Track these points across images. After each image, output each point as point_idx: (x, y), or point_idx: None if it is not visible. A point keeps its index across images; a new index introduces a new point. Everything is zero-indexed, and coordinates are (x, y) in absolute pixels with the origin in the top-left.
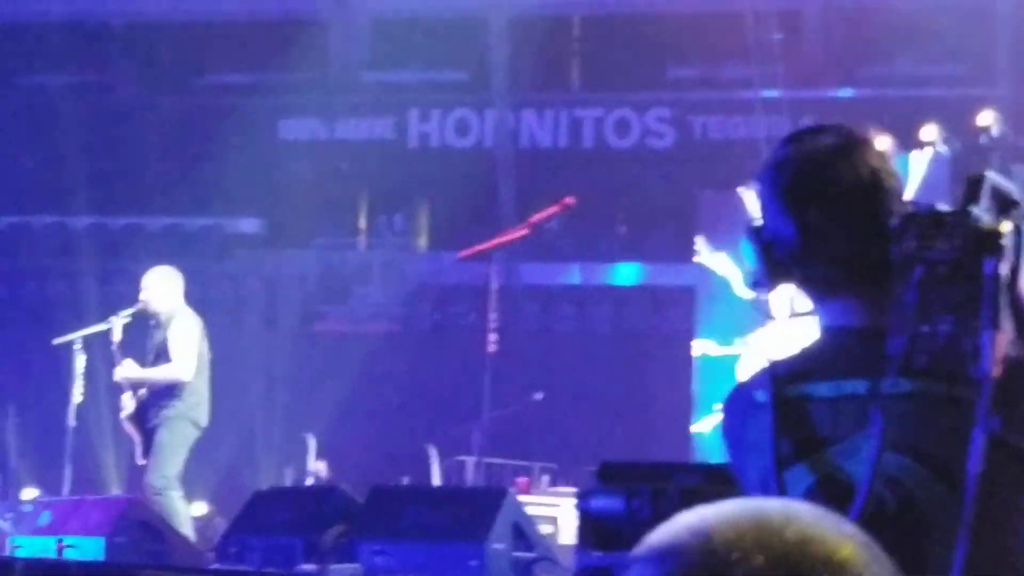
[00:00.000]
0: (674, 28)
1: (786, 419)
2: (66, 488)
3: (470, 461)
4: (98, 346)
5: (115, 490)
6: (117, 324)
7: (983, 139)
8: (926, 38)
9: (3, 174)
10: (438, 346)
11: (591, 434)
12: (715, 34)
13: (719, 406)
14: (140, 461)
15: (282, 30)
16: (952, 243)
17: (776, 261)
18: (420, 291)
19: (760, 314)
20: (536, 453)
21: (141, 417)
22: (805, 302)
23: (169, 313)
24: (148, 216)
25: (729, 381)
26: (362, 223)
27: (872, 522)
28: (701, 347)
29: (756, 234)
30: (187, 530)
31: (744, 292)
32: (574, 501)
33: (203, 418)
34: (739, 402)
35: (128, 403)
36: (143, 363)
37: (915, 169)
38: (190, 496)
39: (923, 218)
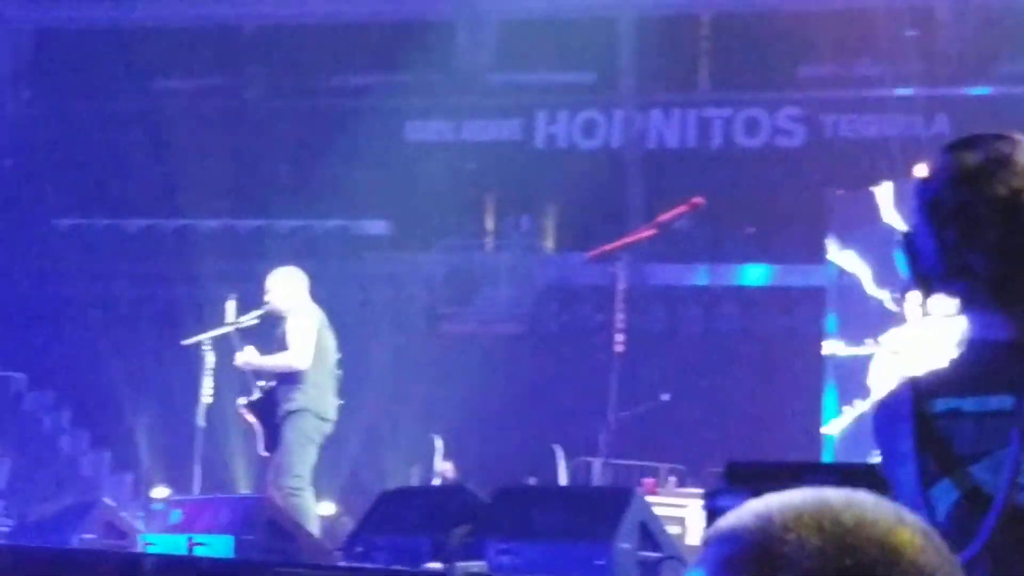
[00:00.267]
0: (805, 26)
1: (930, 435)
2: (196, 487)
3: (597, 462)
4: (226, 347)
5: (244, 489)
6: (244, 324)
7: None
8: None
9: (132, 178)
10: (565, 347)
11: (719, 436)
12: (847, 31)
13: (848, 408)
14: (262, 452)
15: (409, 32)
16: None
17: (922, 272)
18: (547, 292)
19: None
20: (663, 454)
21: (265, 409)
22: (941, 305)
23: (289, 309)
24: (276, 218)
25: (861, 383)
26: (489, 224)
27: (1008, 527)
28: (831, 348)
29: (906, 243)
30: (314, 529)
31: (875, 291)
32: (701, 502)
33: (327, 410)
34: (887, 414)
35: (253, 391)
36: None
37: None
38: (317, 496)
39: None
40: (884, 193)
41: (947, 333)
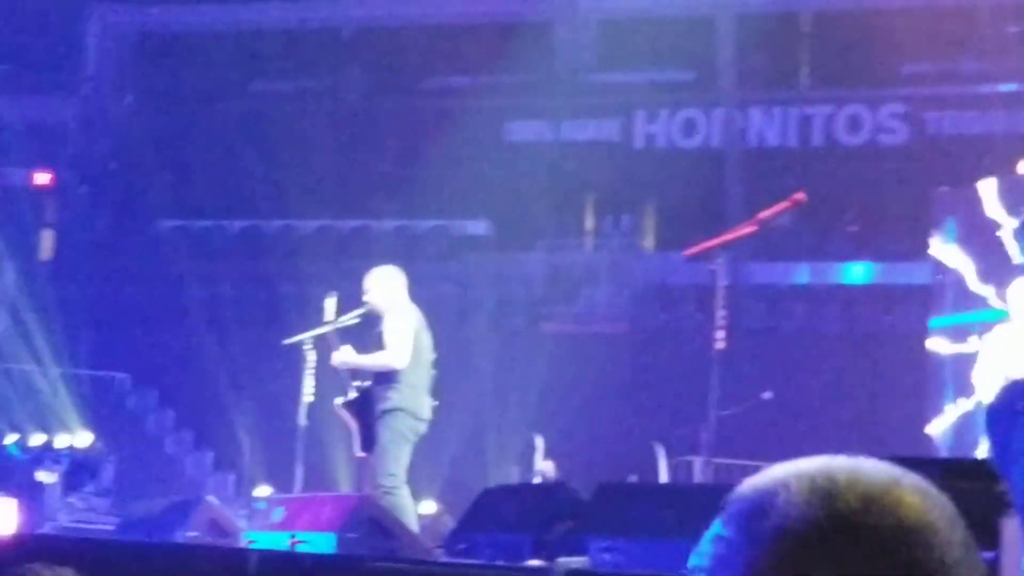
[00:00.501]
0: (907, 22)
1: None
2: (298, 486)
3: (698, 461)
4: (327, 346)
5: (345, 488)
6: (345, 323)
7: None
8: None
9: (234, 179)
10: (665, 346)
11: (821, 434)
12: (950, 28)
13: (952, 407)
14: (357, 453)
15: (508, 32)
16: None
17: None
18: (647, 291)
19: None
20: (765, 453)
21: (361, 408)
22: None
23: (387, 308)
24: (377, 218)
25: (965, 381)
26: (588, 224)
27: None
28: (935, 346)
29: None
30: (413, 526)
31: (979, 287)
32: None
33: (422, 410)
34: (1003, 410)
35: (349, 391)
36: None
37: None
38: (418, 495)
39: None
40: (987, 189)
41: None
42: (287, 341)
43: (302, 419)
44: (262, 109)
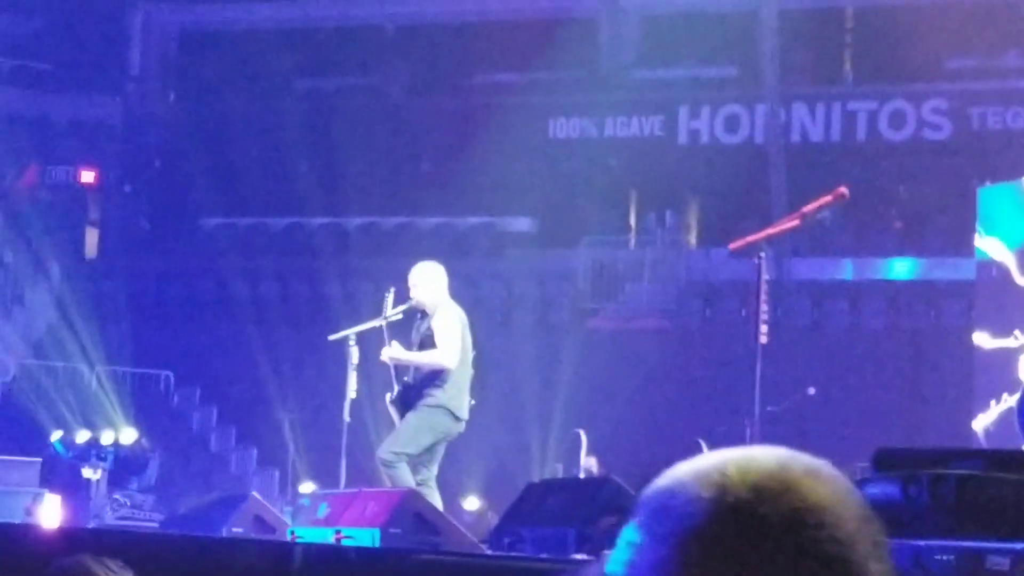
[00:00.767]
0: (951, 17)
1: None
2: (342, 481)
3: None
4: (371, 342)
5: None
6: (390, 319)
7: None
8: None
9: (278, 177)
10: (709, 342)
11: (865, 430)
12: (995, 22)
13: (995, 403)
14: None
15: (551, 29)
16: None
17: None
18: (690, 287)
19: None
20: (809, 448)
21: (405, 404)
22: None
23: (434, 305)
24: (420, 215)
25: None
26: (632, 220)
27: None
28: (980, 341)
29: None
30: None
31: (1023, 281)
32: None
33: (461, 410)
34: None
35: (395, 387)
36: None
37: None
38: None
39: None
40: None
41: None
42: (332, 337)
43: (346, 415)
44: (306, 106)
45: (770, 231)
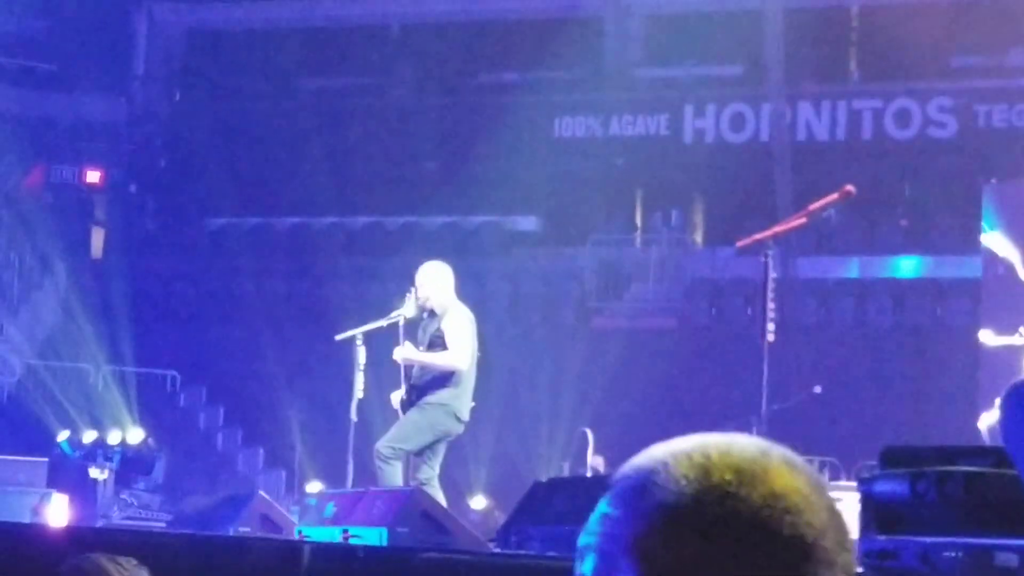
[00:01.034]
0: (957, 15)
1: None
2: (349, 481)
3: None
4: (378, 342)
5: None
6: (392, 316)
7: None
8: None
9: (283, 176)
10: (715, 340)
11: (872, 428)
12: (1000, 20)
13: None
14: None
15: (557, 28)
16: None
17: None
18: (696, 286)
19: None
20: (816, 447)
21: (411, 402)
22: None
23: (443, 305)
24: (425, 215)
25: (1016, 373)
26: (638, 219)
27: None
28: (986, 338)
29: None
30: None
31: None
32: (855, 492)
33: (464, 411)
34: (1017, 399)
35: (403, 387)
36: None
37: None
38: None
39: None
40: None
41: None
42: (339, 337)
43: (353, 415)
44: (311, 106)
45: (776, 230)
